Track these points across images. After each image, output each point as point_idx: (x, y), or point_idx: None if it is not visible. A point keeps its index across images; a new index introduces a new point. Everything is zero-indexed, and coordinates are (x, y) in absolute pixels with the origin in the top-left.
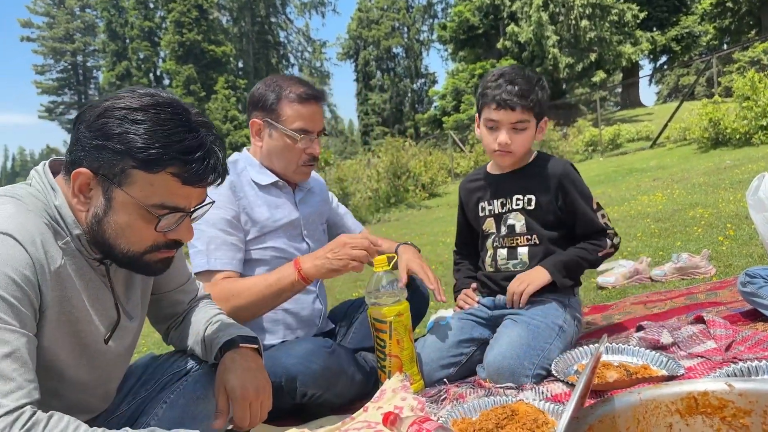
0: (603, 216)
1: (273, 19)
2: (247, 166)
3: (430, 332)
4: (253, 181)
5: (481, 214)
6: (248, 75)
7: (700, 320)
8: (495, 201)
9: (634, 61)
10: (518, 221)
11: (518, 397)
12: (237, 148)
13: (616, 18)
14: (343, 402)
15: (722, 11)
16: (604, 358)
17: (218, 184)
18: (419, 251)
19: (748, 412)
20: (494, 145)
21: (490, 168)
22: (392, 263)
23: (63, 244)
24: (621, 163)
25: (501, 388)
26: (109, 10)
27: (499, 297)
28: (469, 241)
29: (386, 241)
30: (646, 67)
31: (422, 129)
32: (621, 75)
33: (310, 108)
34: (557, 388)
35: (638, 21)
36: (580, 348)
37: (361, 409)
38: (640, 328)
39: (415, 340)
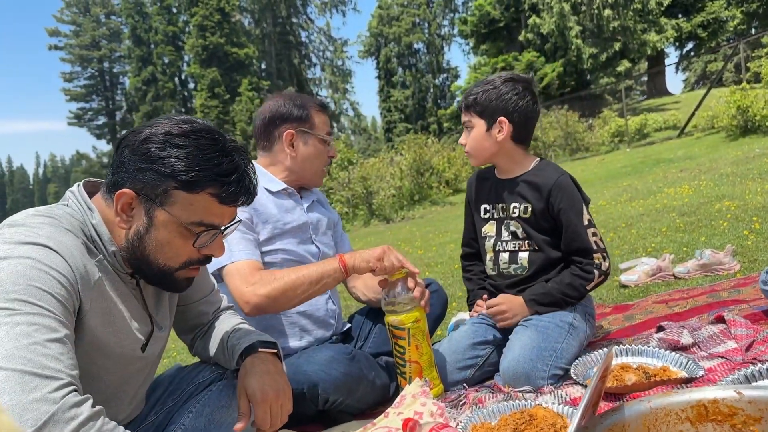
0: (594, 234)
1: (294, 20)
2: (258, 174)
3: (447, 337)
4: (264, 188)
5: (483, 216)
6: (271, 76)
7: (720, 320)
8: (497, 205)
9: (659, 49)
10: (517, 228)
11: (537, 401)
12: None
13: (639, 6)
14: (365, 407)
15: None
16: (624, 359)
17: (249, 204)
18: None
19: (758, 419)
20: None
21: (497, 171)
22: (406, 271)
23: (97, 262)
24: (648, 153)
25: (519, 392)
26: (133, 16)
27: None
28: (477, 236)
29: None
30: (672, 55)
31: (445, 124)
32: (646, 64)
33: (327, 116)
34: (576, 391)
35: (662, 8)
36: (600, 351)
37: (382, 415)
38: (660, 329)
39: (434, 343)
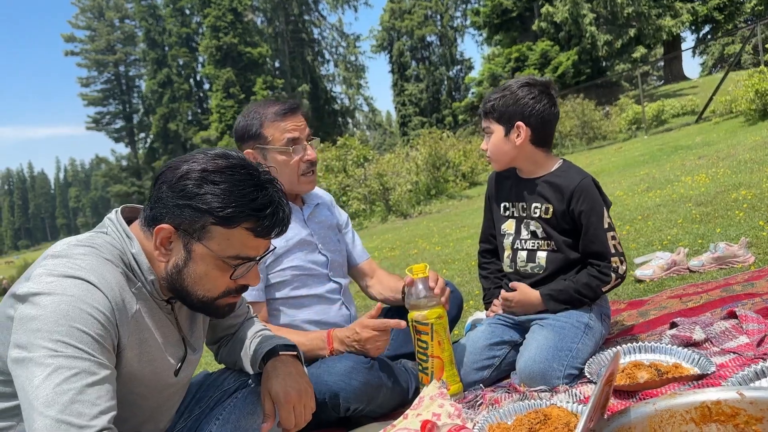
0: (613, 238)
1: (306, 17)
2: None
3: (464, 337)
4: None
5: (503, 214)
6: (285, 74)
7: (732, 315)
8: (517, 204)
9: (675, 33)
10: (537, 228)
11: (552, 400)
12: None
13: None
14: (386, 411)
15: None
16: (637, 357)
17: (283, 234)
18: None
19: (760, 419)
20: None
21: (519, 171)
22: (428, 269)
23: (135, 290)
24: (665, 140)
25: (535, 391)
26: (147, 19)
27: None
28: (495, 234)
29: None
30: (689, 39)
31: (460, 117)
32: (662, 49)
33: (292, 120)
34: (590, 389)
35: None
36: (614, 348)
37: (401, 417)
38: (673, 325)
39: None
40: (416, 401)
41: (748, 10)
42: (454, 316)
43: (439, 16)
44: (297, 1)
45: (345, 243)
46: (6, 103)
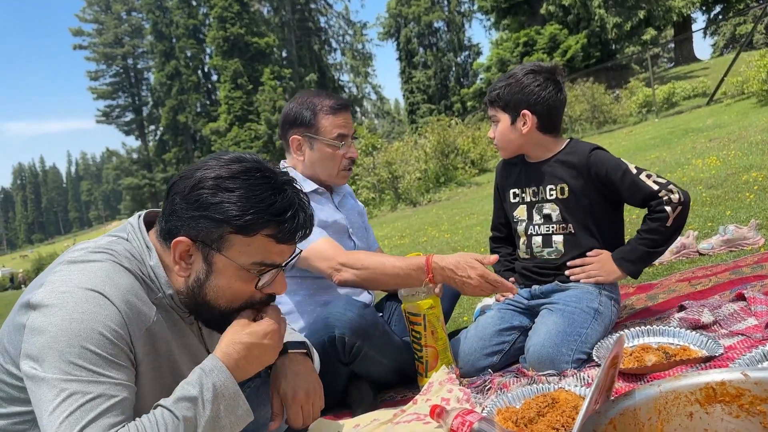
0: (648, 176)
1: (312, 5)
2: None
3: (474, 323)
4: None
5: (513, 201)
6: (292, 64)
7: (741, 297)
8: (527, 189)
9: (685, 14)
10: (553, 211)
11: (560, 384)
12: None
13: None
14: (388, 364)
15: None
16: (645, 340)
17: (306, 238)
18: None
19: (764, 399)
20: None
21: (527, 157)
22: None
23: (155, 300)
24: (676, 123)
25: (543, 375)
26: (154, 11)
27: (535, 287)
28: (506, 222)
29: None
30: (699, 20)
31: (469, 103)
32: (673, 30)
33: (343, 116)
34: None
35: None
36: (622, 332)
37: (411, 402)
38: (681, 308)
39: (461, 329)
40: (426, 386)
41: None
42: (450, 305)
43: (446, 2)
44: None
45: (370, 230)
46: (17, 99)
